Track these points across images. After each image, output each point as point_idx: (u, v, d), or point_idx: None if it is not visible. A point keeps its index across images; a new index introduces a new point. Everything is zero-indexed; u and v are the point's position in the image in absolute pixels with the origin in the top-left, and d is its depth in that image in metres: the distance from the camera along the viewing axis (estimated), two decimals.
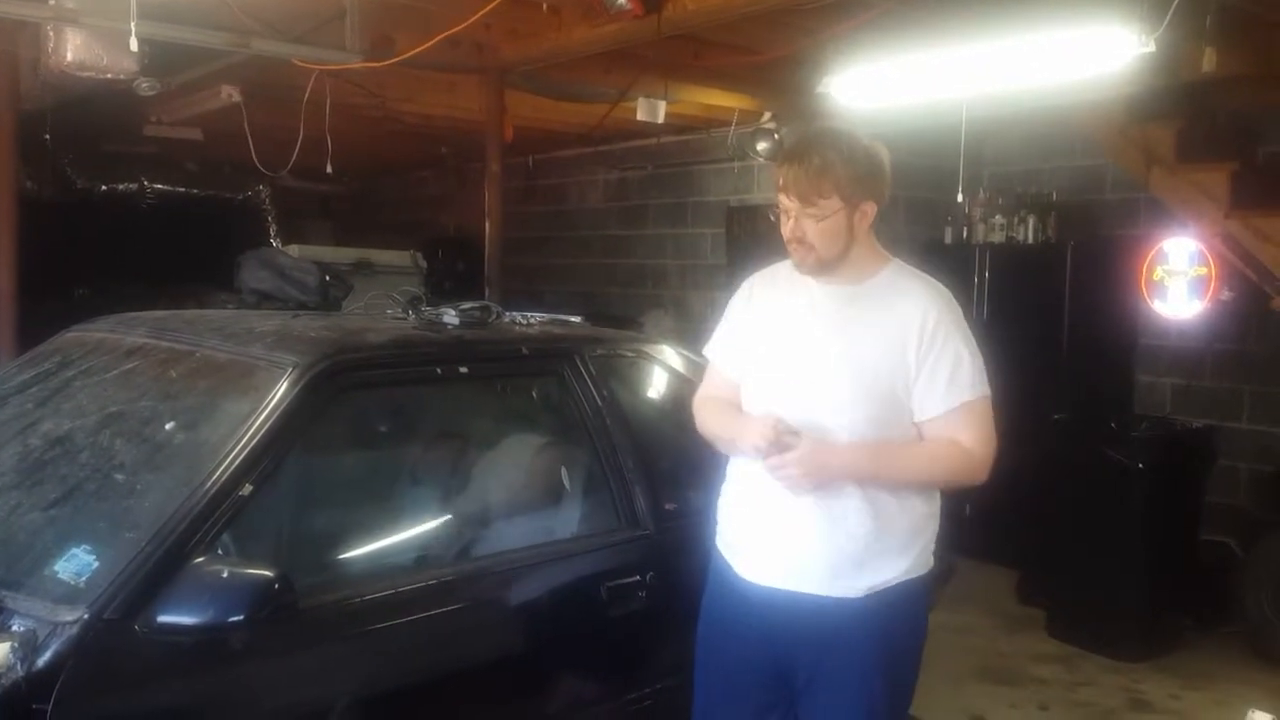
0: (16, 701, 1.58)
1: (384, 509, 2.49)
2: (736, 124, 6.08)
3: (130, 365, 2.34)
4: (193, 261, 6.01)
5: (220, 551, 1.86)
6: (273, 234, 7.32)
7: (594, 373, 2.57)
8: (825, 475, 1.88)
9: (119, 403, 2.22)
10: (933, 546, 2.04)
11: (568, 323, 2.96)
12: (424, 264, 6.95)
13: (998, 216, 5.49)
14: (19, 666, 1.59)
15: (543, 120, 6.14)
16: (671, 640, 2.32)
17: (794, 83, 5.01)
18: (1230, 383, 5.14)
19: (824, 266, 1.97)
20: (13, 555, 1.86)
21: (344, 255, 6.43)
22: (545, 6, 4.08)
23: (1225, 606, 4.41)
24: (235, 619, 1.70)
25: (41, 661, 1.61)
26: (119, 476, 2.02)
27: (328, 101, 4.82)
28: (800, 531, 1.95)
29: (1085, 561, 4.33)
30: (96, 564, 1.76)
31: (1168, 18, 3.19)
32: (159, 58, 4.04)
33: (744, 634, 2.02)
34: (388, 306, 2.92)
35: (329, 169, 5.41)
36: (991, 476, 1.97)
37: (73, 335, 2.61)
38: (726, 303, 2.20)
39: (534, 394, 2.80)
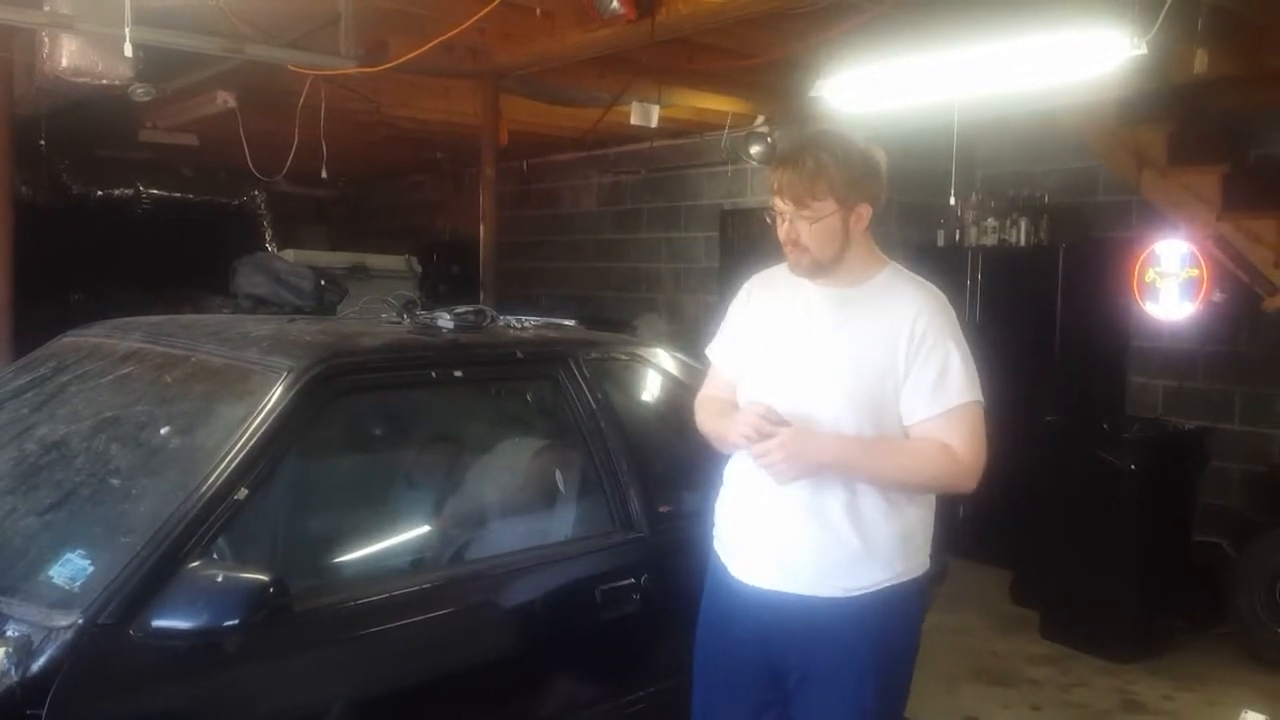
0: (11, 707, 1.58)
1: (379, 513, 2.50)
2: (730, 128, 6.10)
3: (125, 370, 2.34)
4: (188, 266, 6.01)
5: (215, 556, 1.86)
6: (268, 239, 7.32)
7: (588, 376, 2.58)
8: (807, 462, 1.88)
9: (114, 407, 2.23)
10: (928, 549, 2.05)
11: (562, 326, 2.97)
12: (419, 268, 6.95)
13: (990, 219, 5.51)
14: (13, 671, 1.60)
15: (537, 124, 6.15)
16: (666, 643, 2.33)
17: (787, 86, 5.04)
18: (1222, 384, 5.16)
19: (819, 269, 1.98)
20: (7, 560, 1.86)
21: (339, 260, 6.43)
22: (539, 11, 4.09)
23: (1218, 607, 4.43)
24: (230, 623, 1.70)
25: (36, 666, 1.61)
26: (114, 481, 2.02)
27: (322, 107, 4.83)
28: (791, 533, 1.96)
29: (1078, 563, 4.35)
30: (91, 569, 1.77)
31: (1159, 20, 3.21)
32: (154, 63, 4.05)
33: (740, 634, 2.03)
34: (383, 311, 2.93)
35: (324, 174, 5.43)
36: (984, 478, 1.96)
37: (68, 340, 2.62)
38: (720, 306, 2.22)
39: (528, 397, 2.81)
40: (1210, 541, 4.68)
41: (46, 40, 3.74)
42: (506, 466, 2.63)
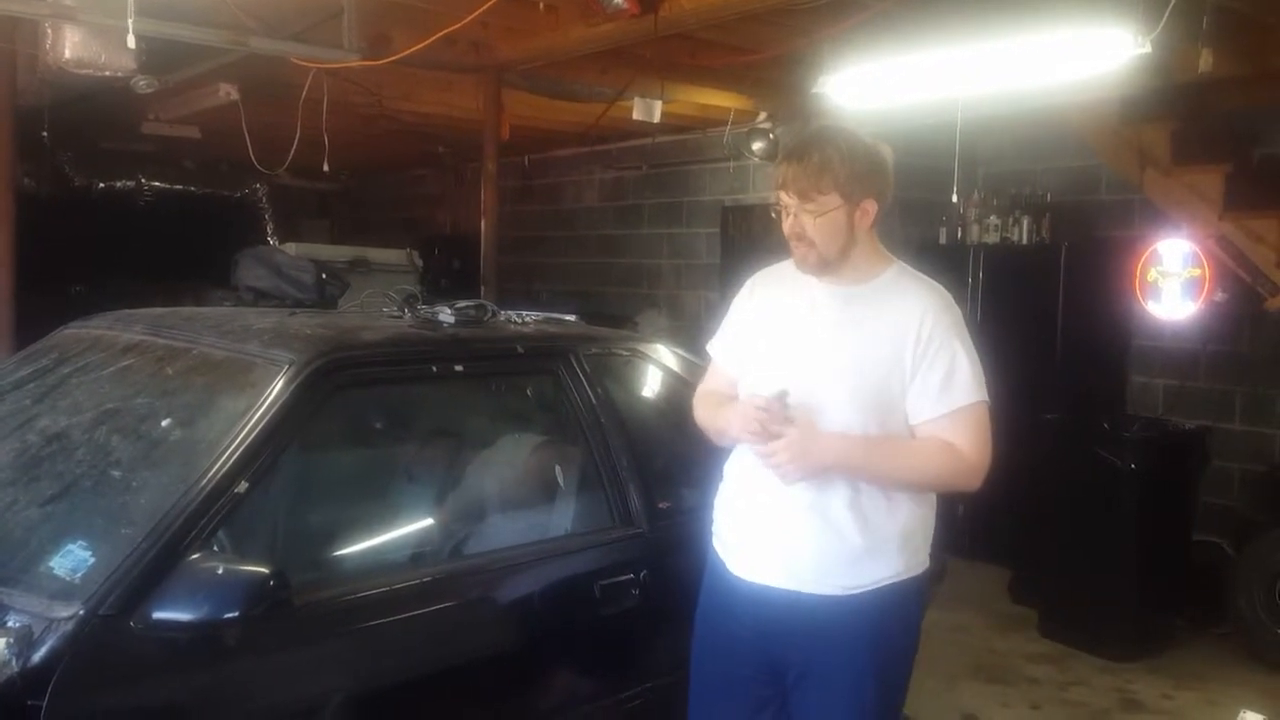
0: (11, 697, 1.59)
1: (379, 506, 2.50)
2: (732, 124, 6.09)
3: (127, 362, 2.35)
4: (190, 259, 6.02)
5: (216, 548, 1.87)
6: (270, 232, 7.33)
7: (589, 371, 2.58)
8: (813, 462, 1.88)
9: (115, 399, 2.23)
10: (928, 548, 2.05)
11: (563, 321, 2.97)
12: (420, 262, 6.96)
13: (992, 217, 5.51)
14: (14, 662, 1.60)
15: (539, 119, 6.15)
16: (665, 638, 2.33)
17: (790, 82, 5.03)
18: (1223, 384, 5.16)
19: (825, 265, 1.97)
20: (9, 551, 1.86)
21: (340, 253, 6.44)
22: (542, 5, 4.09)
23: (1217, 607, 4.43)
24: (230, 615, 1.71)
25: (37, 657, 1.62)
26: (115, 473, 2.03)
27: (325, 100, 4.83)
28: (792, 530, 1.96)
29: (1078, 561, 4.35)
30: (92, 560, 1.77)
31: (1164, 19, 3.20)
32: (157, 55, 4.05)
33: (738, 631, 2.03)
34: (384, 304, 2.93)
35: (326, 167, 5.41)
36: (986, 476, 1.97)
37: (70, 332, 2.62)
38: (721, 302, 2.21)
39: (529, 392, 2.81)
40: (1210, 541, 4.68)
41: (50, 31, 3.73)
42: (507, 461, 2.64)
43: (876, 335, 1.95)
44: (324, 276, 3.32)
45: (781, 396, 1.89)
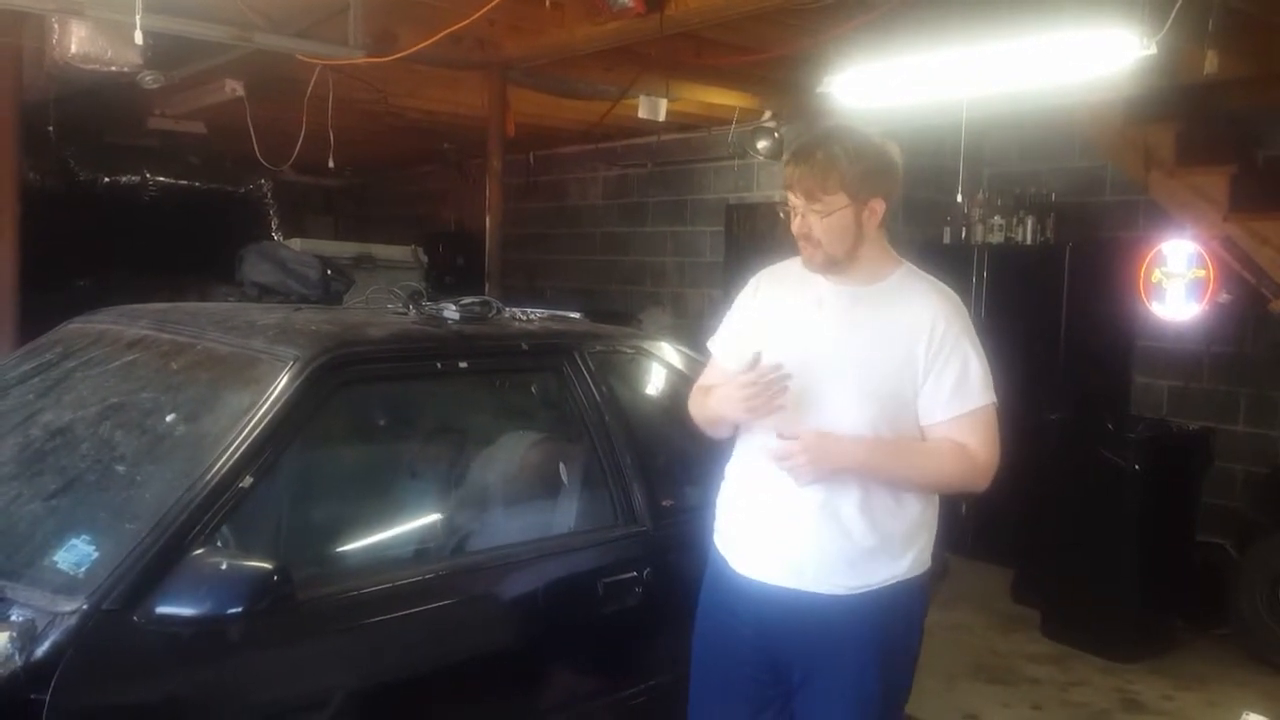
0: (15, 691, 1.59)
1: (383, 503, 2.50)
2: (737, 122, 6.09)
3: (132, 357, 2.35)
4: (194, 254, 6.02)
5: (220, 543, 1.87)
6: (274, 228, 7.32)
7: (593, 369, 2.58)
8: (830, 465, 1.88)
9: (120, 394, 2.23)
10: (931, 548, 2.05)
11: (567, 319, 2.97)
12: (425, 259, 6.97)
13: (996, 217, 5.50)
14: (17, 656, 1.60)
15: (544, 117, 6.15)
16: (667, 636, 2.33)
17: (795, 82, 5.02)
18: (1227, 385, 5.15)
19: (833, 264, 1.97)
20: (13, 545, 1.87)
21: (345, 249, 6.45)
22: (548, 3, 4.08)
23: (1220, 608, 4.43)
24: (234, 611, 1.71)
25: (40, 652, 1.62)
26: (119, 468, 2.03)
27: (330, 96, 4.84)
28: (797, 528, 1.96)
29: (1080, 562, 4.34)
30: (96, 554, 1.77)
31: (1169, 20, 3.20)
32: (163, 51, 4.05)
33: (740, 630, 2.03)
34: (388, 301, 2.93)
35: (331, 163, 5.42)
36: (993, 475, 1.97)
37: (74, 326, 2.62)
38: (725, 300, 2.21)
39: (533, 389, 2.81)
40: (1213, 542, 4.67)
41: (56, 26, 3.74)
42: (510, 458, 2.64)
43: (886, 336, 1.95)
44: (329, 272, 3.32)
45: (756, 360, 1.90)
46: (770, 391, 1.89)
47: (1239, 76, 4.11)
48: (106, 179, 6.70)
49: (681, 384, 2.75)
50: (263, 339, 2.24)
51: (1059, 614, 4.45)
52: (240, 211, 7.11)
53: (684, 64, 4.90)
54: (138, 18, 3.28)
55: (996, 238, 5.48)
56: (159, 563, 1.74)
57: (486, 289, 4.96)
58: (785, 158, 2.00)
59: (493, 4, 3.67)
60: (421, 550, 2.41)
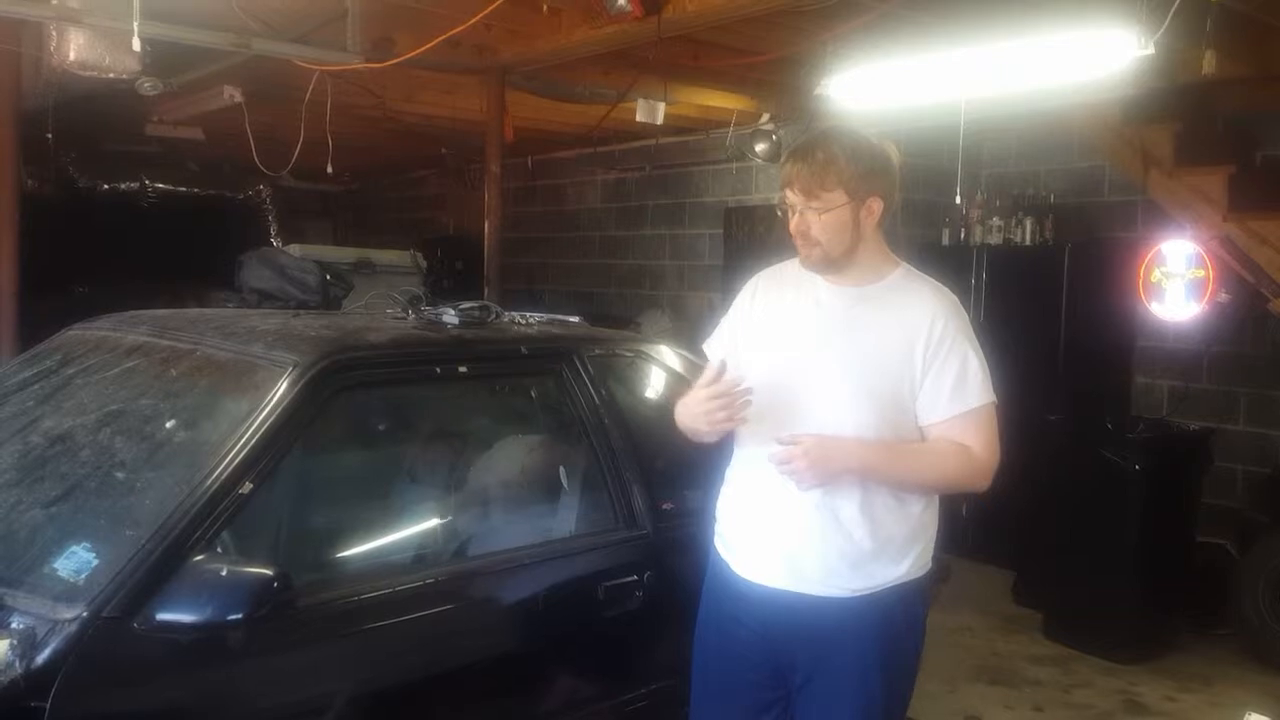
0: (15, 699, 1.59)
1: (383, 508, 2.50)
2: (735, 125, 6.09)
3: (131, 363, 2.35)
4: (194, 260, 6.03)
5: (219, 549, 1.87)
6: (273, 233, 7.33)
7: (592, 373, 2.58)
8: (831, 468, 1.87)
9: (119, 401, 2.23)
10: (931, 549, 2.05)
11: (566, 323, 2.97)
12: (424, 263, 6.96)
13: (995, 218, 5.50)
14: (17, 664, 1.60)
15: (542, 121, 6.15)
16: (668, 640, 2.33)
17: (793, 84, 5.03)
18: (1227, 385, 5.15)
19: (830, 263, 1.97)
20: (13, 552, 1.86)
21: (344, 255, 6.44)
22: (545, 8, 4.09)
23: (1221, 609, 4.42)
24: (234, 617, 1.71)
25: (40, 659, 1.62)
26: (119, 474, 2.03)
27: (328, 102, 4.84)
28: (798, 531, 1.95)
29: (1081, 563, 4.34)
30: (96, 562, 1.77)
31: (1167, 21, 3.20)
32: (161, 57, 4.06)
33: (740, 633, 2.03)
34: (388, 306, 2.93)
35: (329, 169, 5.43)
36: (993, 475, 1.97)
37: (74, 333, 2.62)
38: (723, 303, 2.21)
39: (532, 394, 2.81)
40: (1214, 542, 4.67)
41: (54, 33, 3.74)
42: (510, 462, 2.64)
43: (885, 336, 1.94)
44: (328, 278, 3.33)
45: (721, 370, 1.91)
46: (732, 407, 1.89)
47: (1237, 76, 4.12)
48: (105, 186, 6.71)
49: (680, 387, 2.75)
50: (262, 345, 2.23)
51: (1060, 615, 4.45)
52: (239, 217, 7.12)
53: (682, 67, 4.90)
54: (135, 24, 3.28)
55: (995, 239, 5.48)
56: (159, 569, 1.74)
57: (485, 293, 4.96)
58: (783, 157, 2.00)
59: (490, 9, 3.67)
60: (422, 555, 2.40)
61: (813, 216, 1.93)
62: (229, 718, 1.81)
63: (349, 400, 2.24)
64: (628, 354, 2.86)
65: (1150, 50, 3.28)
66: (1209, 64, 3.56)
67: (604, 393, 2.56)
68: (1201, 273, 4.81)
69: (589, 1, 3.81)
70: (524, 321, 2.81)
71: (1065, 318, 5.17)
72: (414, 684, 2.03)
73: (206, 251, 5.83)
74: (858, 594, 1.94)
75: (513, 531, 2.48)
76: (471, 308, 2.65)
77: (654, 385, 2.90)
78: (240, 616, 1.71)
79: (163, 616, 1.71)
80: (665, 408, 2.82)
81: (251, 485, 1.90)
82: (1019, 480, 3.55)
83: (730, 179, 6.64)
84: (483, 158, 5.22)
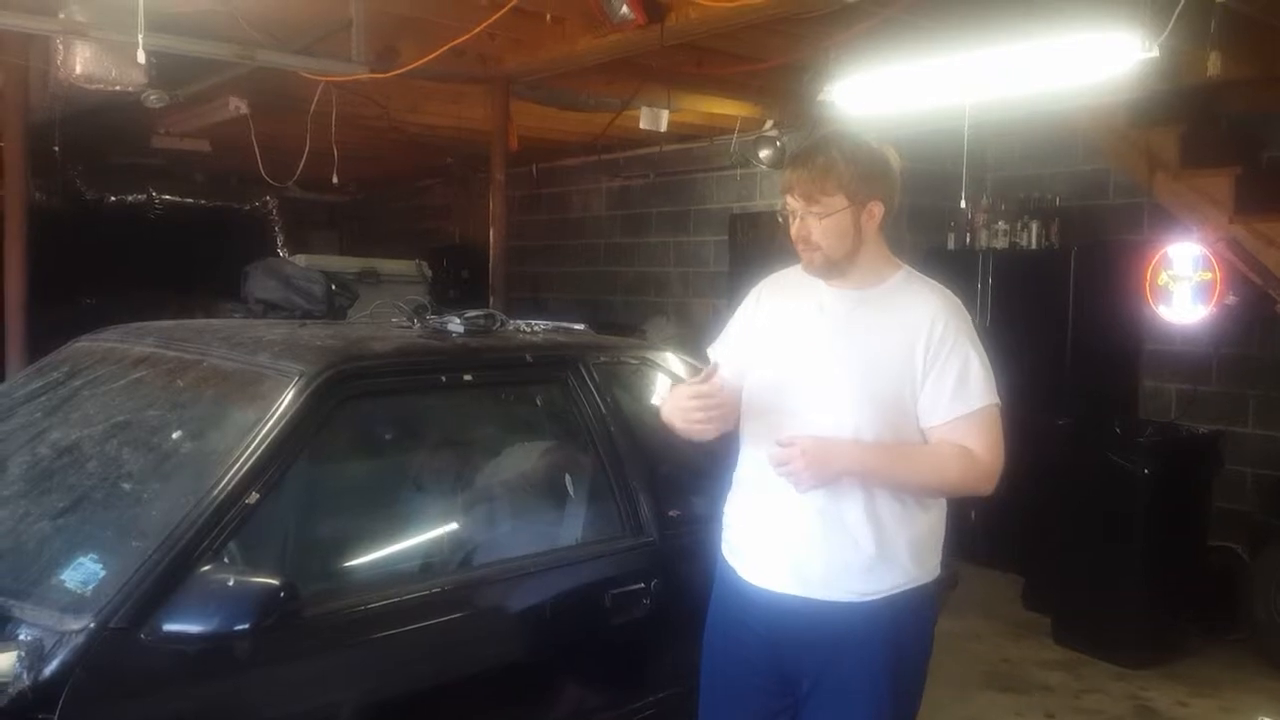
0: (23, 711, 1.59)
1: (389, 517, 2.50)
2: (739, 132, 6.10)
3: (138, 374, 2.36)
4: (200, 271, 6.05)
5: (226, 560, 1.87)
6: (279, 244, 7.35)
7: (597, 380, 2.57)
8: (830, 470, 1.87)
9: (126, 412, 2.24)
10: (940, 554, 2.04)
11: (571, 330, 2.97)
12: (429, 272, 6.98)
13: (1001, 222, 5.50)
14: (25, 676, 1.60)
15: (546, 129, 6.17)
16: (675, 648, 2.32)
17: (796, 90, 5.03)
18: (1236, 387, 5.13)
19: (832, 267, 1.97)
20: (20, 564, 1.87)
21: (350, 264, 6.46)
22: (549, 17, 4.11)
23: (1233, 612, 4.40)
24: (241, 627, 1.70)
25: (47, 671, 1.62)
26: (126, 485, 2.03)
27: (334, 112, 4.86)
28: (802, 536, 1.95)
29: (1091, 567, 4.32)
30: (103, 572, 1.77)
31: (1171, 23, 3.20)
32: (167, 70, 4.09)
33: (749, 639, 2.02)
34: (393, 315, 2.93)
35: (335, 179, 5.45)
36: (996, 483, 1.96)
37: (81, 345, 2.63)
38: (729, 310, 2.21)
39: (538, 402, 2.81)
40: (1224, 546, 4.64)
41: (61, 47, 3.77)
42: (516, 470, 2.63)
43: (886, 338, 1.94)
44: (333, 288, 3.34)
45: (713, 371, 1.92)
46: (709, 410, 1.90)
47: (1241, 78, 4.11)
48: (112, 198, 6.74)
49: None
50: (268, 355, 2.24)
51: (1070, 620, 4.42)
52: (245, 228, 7.14)
53: (685, 74, 4.92)
54: (141, 38, 3.30)
55: (1001, 243, 5.47)
56: (166, 580, 1.74)
57: (491, 302, 4.97)
58: (784, 163, 2.01)
59: (494, 19, 3.69)
60: (428, 564, 2.40)
61: (814, 221, 1.93)
62: None
63: (355, 410, 2.24)
64: (633, 361, 2.86)
65: (1154, 53, 3.27)
66: (1214, 66, 3.55)
67: (609, 400, 2.56)
68: (1209, 275, 4.79)
69: (592, 10, 3.82)
70: (529, 330, 2.81)
71: (1072, 321, 5.15)
72: (421, 693, 2.03)
73: (213, 262, 5.85)
74: (865, 599, 1.93)
75: (519, 540, 2.48)
76: (476, 316, 2.65)
77: (659, 392, 2.89)
78: (247, 627, 1.71)
79: (170, 627, 1.70)
80: None
81: (258, 495, 1.91)
82: (1027, 485, 3.54)
83: (734, 185, 6.64)
84: (488, 166, 5.23)
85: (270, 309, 3.30)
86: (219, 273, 5.43)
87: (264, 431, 1.98)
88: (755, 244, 6.48)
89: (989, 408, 1.94)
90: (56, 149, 5.61)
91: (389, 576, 2.30)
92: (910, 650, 1.99)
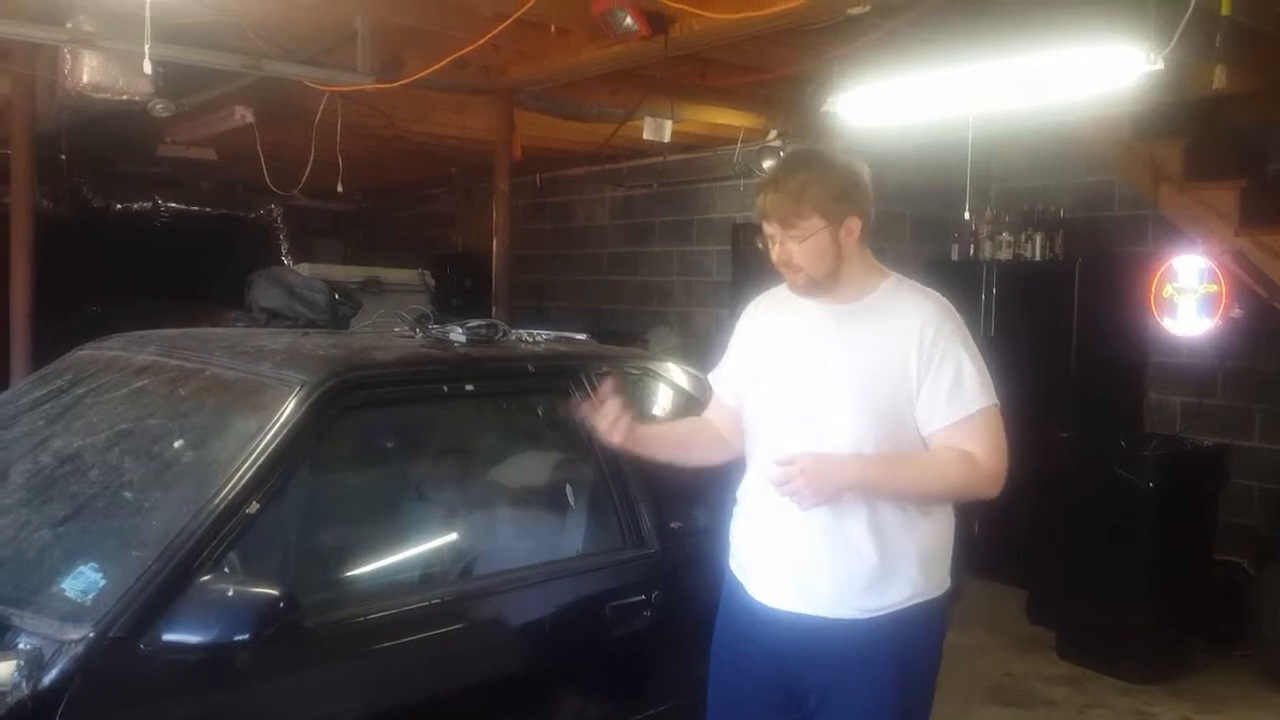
0: None
1: (390, 527, 2.49)
2: (742, 142, 6.11)
3: (140, 383, 2.36)
4: (205, 279, 6.07)
5: (227, 569, 1.86)
6: (284, 252, 7.38)
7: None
8: (831, 486, 1.86)
9: (128, 420, 2.24)
10: (948, 567, 2.03)
11: (574, 340, 2.97)
12: (432, 282, 6.99)
13: (1005, 234, 5.49)
14: (24, 685, 1.60)
15: (550, 139, 6.19)
16: (677, 661, 2.31)
17: (800, 101, 5.04)
18: (1242, 401, 5.11)
19: (816, 286, 1.97)
20: (21, 572, 1.87)
21: (353, 273, 6.47)
22: (553, 28, 4.12)
23: (1238, 627, 4.37)
24: (240, 638, 1.70)
25: (47, 680, 1.61)
26: (127, 494, 2.03)
27: (339, 122, 4.88)
28: (809, 553, 1.94)
29: (1095, 581, 4.29)
30: (103, 582, 1.77)
31: (1176, 36, 3.20)
32: (173, 79, 4.10)
33: (755, 655, 2.01)
34: (396, 324, 2.93)
35: (340, 188, 5.46)
36: (1000, 495, 1.94)
37: (84, 353, 2.63)
38: (731, 319, 2.21)
39: (540, 412, 2.80)
40: (1230, 561, 4.62)
41: (68, 57, 3.79)
42: (517, 481, 2.63)
43: (878, 349, 1.93)
44: (337, 297, 3.33)
45: (615, 384, 2.06)
46: (608, 422, 2.01)
47: (1247, 91, 4.10)
48: (118, 206, 6.78)
49: (688, 404, 2.74)
50: (270, 364, 2.24)
51: (1075, 635, 4.39)
52: (250, 237, 7.18)
53: (689, 85, 4.92)
54: (147, 47, 3.31)
55: (1005, 254, 5.46)
56: (166, 590, 1.74)
57: (494, 310, 4.97)
58: (755, 190, 2.02)
59: (498, 30, 3.70)
60: (429, 574, 2.39)
61: (793, 245, 1.94)
62: None
63: (356, 419, 2.24)
64: (635, 371, 2.85)
65: (1159, 65, 3.27)
66: (1219, 79, 3.54)
67: None
68: (1214, 288, 4.78)
69: (596, 21, 3.83)
70: (531, 339, 2.81)
71: (1076, 333, 5.14)
72: (421, 704, 2.02)
73: (218, 270, 5.86)
74: (871, 615, 1.92)
75: (520, 550, 2.47)
76: (479, 326, 2.65)
77: (662, 402, 2.89)
78: (247, 637, 1.70)
79: (169, 637, 1.70)
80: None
81: (259, 505, 1.90)
82: (1031, 497, 3.53)
83: (738, 195, 6.65)
84: (491, 176, 5.24)
85: (274, 318, 3.29)
86: (224, 281, 5.43)
87: (265, 441, 1.98)
88: (758, 254, 6.42)
89: (987, 409, 1.92)
90: (63, 157, 5.63)
91: (389, 587, 2.30)
92: (918, 665, 1.98)
